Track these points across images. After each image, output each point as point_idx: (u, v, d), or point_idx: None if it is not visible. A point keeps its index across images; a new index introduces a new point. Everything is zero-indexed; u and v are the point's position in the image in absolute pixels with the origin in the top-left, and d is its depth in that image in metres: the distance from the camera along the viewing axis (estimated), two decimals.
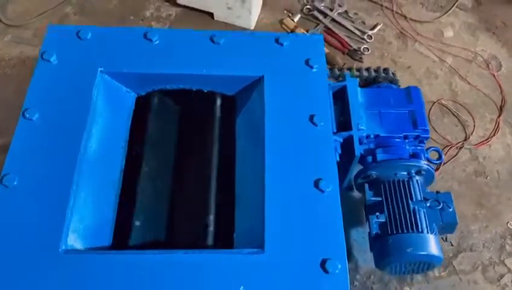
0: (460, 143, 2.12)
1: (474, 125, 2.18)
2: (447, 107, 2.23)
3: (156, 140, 1.36)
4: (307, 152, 1.22)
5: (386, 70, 1.78)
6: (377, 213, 1.46)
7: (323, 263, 1.06)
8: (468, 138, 2.15)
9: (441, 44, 2.44)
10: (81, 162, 1.18)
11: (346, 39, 2.37)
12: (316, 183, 1.17)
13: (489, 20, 2.54)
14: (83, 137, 1.21)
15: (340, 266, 1.06)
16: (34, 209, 1.10)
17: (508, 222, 1.96)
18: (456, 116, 2.21)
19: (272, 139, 1.22)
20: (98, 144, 1.25)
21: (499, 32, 2.50)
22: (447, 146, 2.09)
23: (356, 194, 1.80)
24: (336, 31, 2.40)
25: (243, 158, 1.29)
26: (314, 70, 1.35)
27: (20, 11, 2.46)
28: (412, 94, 1.66)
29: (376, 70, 1.77)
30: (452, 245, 1.88)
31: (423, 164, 1.51)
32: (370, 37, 2.40)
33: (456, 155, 2.09)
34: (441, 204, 1.45)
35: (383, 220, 1.45)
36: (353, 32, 2.41)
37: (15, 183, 1.13)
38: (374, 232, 1.46)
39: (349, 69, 1.71)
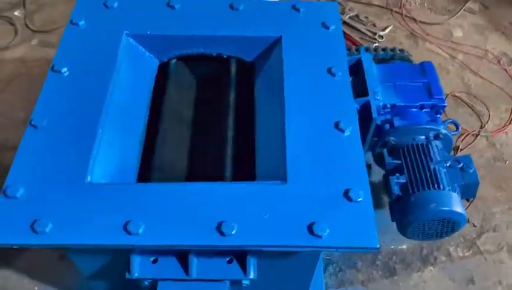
0: (477, 131, 2.12)
1: (489, 114, 2.19)
2: (460, 99, 2.25)
3: (177, 101, 1.39)
4: (325, 98, 1.24)
5: (401, 50, 1.83)
6: (397, 174, 1.46)
7: (346, 192, 1.06)
8: (484, 126, 2.15)
9: (450, 43, 2.49)
10: (106, 110, 1.21)
11: (359, 40, 2.44)
12: (336, 125, 1.18)
13: (498, 21, 2.60)
14: (109, 89, 1.25)
15: (363, 195, 1.05)
16: (62, 146, 1.13)
17: None
18: (471, 107, 2.23)
19: (291, 88, 1.25)
20: (122, 97, 1.29)
21: (508, 31, 2.56)
22: (463, 134, 2.09)
23: (374, 179, 1.80)
24: (348, 32, 2.47)
25: (262, 108, 1.32)
26: (330, 30, 1.39)
27: (46, 19, 2.59)
28: (425, 68, 1.69)
29: (392, 50, 1.81)
30: (475, 226, 1.85)
31: (441, 127, 1.52)
32: (381, 37, 2.47)
33: (472, 142, 2.09)
34: (462, 164, 1.45)
35: (404, 180, 1.45)
36: (364, 34, 2.49)
37: (44, 124, 1.17)
38: (394, 194, 1.44)
39: (366, 48, 1.75)
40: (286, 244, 1.00)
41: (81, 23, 1.40)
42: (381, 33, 2.48)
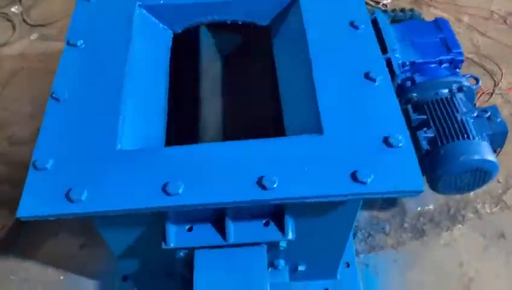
0: (491, 89, 2.11)
1: (502, 73, 2.17)
2: (471, 60, 2.23)
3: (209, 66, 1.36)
4: (351, 50, 1.21)
5: (411, 10, 1.80)
6: (424, 129, 1.43)
7: (385, 139, 1.03)
8: (498, 84, 2.13)
9: (455, 6, 2.48)
10: (127, 80, 1.17)
11: None
12: (366, 75, 1.15)
13: None
14: (126, 60, 1.21)
15: (403, 140, 1.02)
16: (87, 117, 1.09)
17: None
18: (482, 67, 2.21)
19: (315, 43, 1.22)
20: (140, 67, 1.25)
21: None
22: (477, 93, 2.07)
23: None
24: None
25: (285, 68, 1.29)
26: None
27: (44, 13, 2.55)
28: (440, 24, 1.67)
29: (402, 11, 1.79)
30: (499, 182, 1.83)
31: (464, 79, 1.50)
32: (385, 5, 2.44)
33: (488, 100, 2.07)
34: (489, 113, 1.42)
35: (432, 134, 1.42)
36: (367, 3, 2.46)
37: (65, 96, 1.13)
38: (423, 149, 1.42)
39: (383, 10, 1.73)
40: (330, 194, 0.97)
41: None
42: (385, 1, 2.45)
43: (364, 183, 0.96)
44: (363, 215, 1.74)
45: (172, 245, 1.15)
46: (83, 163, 1.02)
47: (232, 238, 1.15)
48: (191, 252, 1.20)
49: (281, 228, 1.16)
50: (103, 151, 1.04)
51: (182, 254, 1.22)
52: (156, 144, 1.13)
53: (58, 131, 1.08)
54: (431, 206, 1.77)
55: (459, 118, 1.41)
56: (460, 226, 1.72)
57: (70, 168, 1.01)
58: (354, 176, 0.97)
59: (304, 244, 1.22)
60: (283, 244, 1.21)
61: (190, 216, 1.16)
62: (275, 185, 0.97)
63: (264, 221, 1.18)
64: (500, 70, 2.17)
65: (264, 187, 0.97)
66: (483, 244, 1.68)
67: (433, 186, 1.45)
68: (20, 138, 2.02)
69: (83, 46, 1.25)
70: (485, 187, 1.79)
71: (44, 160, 1.01)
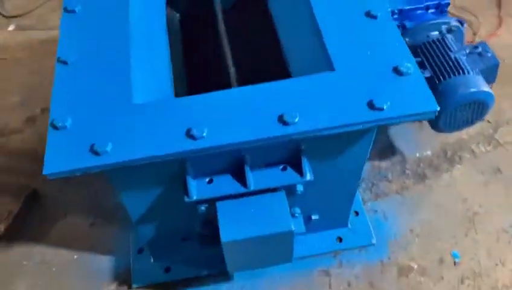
0: (471, 39, 2.18)
1: (479, 22, 2.25)
2: (448, 12, 2.29)
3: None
4: None
5: None
6: (420, 70, 1.48)
7: (395, 69, 1.07)
8: (477, 33, 2.21)
9: None
10: (131, 37, 1.18)
11: None
12: (367, 14, 1.18)
13: None
14: (127, 18, 1.21)
15: (411, 67, 1.06)
16: (99, 75, 1.09)
17: None
18: (459, 17, 2.27)
19: None
20: (141, 24, 1.25)
21: None
22: None
23: None
24: None
25: (284, 13, 1.31)
26: None
27: (19, 4, 2.50)
28: None
29: None
30: (489, 122, 1.90)
31: (452, 20, 1.55)
32: None
33: None
34: (480, 49, 1.48)
35: (428, 75, 1.47)
36: None
37: (73, 59, 1.12)
38: None
39: None
40: (351, 122, 1.00)
41: None
42: None
43: (381, 109, 1.00)
44: (365, 167, 1.78)
45: (194, 197, 1.16)
46: (101, 119, 1.02)
47: (252, 185, 1.17)
48: (211, 208, 1.21)
49: (299, 170, 1.19)
50: (120, 106, 1.04)
51: (203, 208, 1.23)
52: (167, 96, 1.14)
53: (70, 91, 1.07)
54: (429, 152, 1.83)
55: (452, 56, 1.46)
56: (459, 166, 1.79)
57: (89, 125, 1.01)
58: (371, 104, 1.01)
59: (318, 188, 1.26)
60: (300, 188, 1.24)
61: (209, 168, 1.17)
62: (296, 120, 0.99)
63: (281, 167, 1.20)
64: (478, 19, 2.25)
65: (285, 123, 0.99)
66: (483, 180, 1.75)
67: (435, 125, 1.50)
68: (12, 128, 1.98)
69: (81, 10, 1.24)
70: (476, 129, 1.88)
71: (62, 119, 1.01)
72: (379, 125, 1.02)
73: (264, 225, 1.17)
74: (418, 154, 1.83)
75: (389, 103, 1.00)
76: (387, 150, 1.84)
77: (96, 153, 0.96)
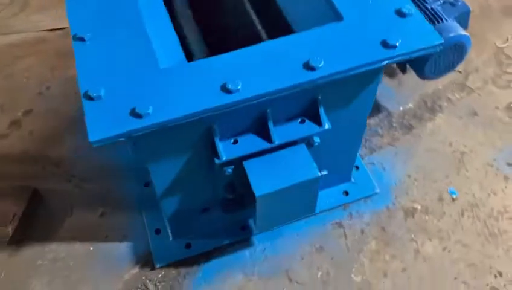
0: None
1: None
2: None
3: None
4: None
5: None
6: None
7: (398, 11, 1.16)
8: None
9: None
10: (140, 8, 1.20)
11: None
12: None
13: None
14: None
15: (412, 8, 1.16)
16: (119, 47, 1.11)
17: (495, 42, 2.19)
18: None
19: None
20: None
21: None
22: None
23: None
24: None
25: None
26: None
27: None
28: None
29: None
30: (460, 72, 2.06)
31: None
32: None
33: None
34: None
35: None
36: None
37: (89, 35, 1.13)
38: None
39: None
40: (370, 61, 1.08)
41: None
42: None
43: (395, 47, 1.09)
44: None
45: (224, 158, 1.20)
46: (134, 85, 1.04)
47: (276, 139, 1.23)
48: (236, 169, 1.26)
49: (317, 121, 1.26)
50: (150, 72, 1.06)
51: (229, 170, 1.27)
52: (181, 61, 1.17)
53: (95, 65, 1.08)
54: (411, 105, 1.96)
55: (429, 7, 1.59)
56: (440, 114, 1.93)
57: (124, 92, 1.03)
58: (385, 44, 1.10)
59: (329, 141, 1.33)
60: (317, 140, 1.31)
61: (233, 129, 1.22)
62: (321, 65, 1.06)
63: (299, 120, 1.27)
64: None
65: (312, 68, 1.06)
66: (463, 123, 1.90)
67: (421, 73, 1.62)
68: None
69: None
70: (449, 78, 2.03)
71: (95, 90, 1.02)
72: (394, 62, 1.11)
73: (293, 175, 1.23)
74: (401, 108, 1.95)
75: (400, 41, 1.09)
76: (373, 108, 1.94)
77: (139, 116, 0.98)
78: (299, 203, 1.33)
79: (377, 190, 1.71)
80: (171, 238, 1.59)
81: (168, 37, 1.24)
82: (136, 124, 0.98)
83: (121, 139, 0.98)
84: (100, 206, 1.70)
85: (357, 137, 1.49)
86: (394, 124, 1.90)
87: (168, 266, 1.56)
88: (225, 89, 1.03)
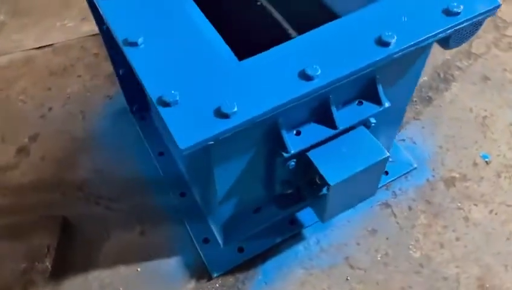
0: None
1: None
2: None
3: None
4: None
5: None
6: None
7: None
8: None
9: None
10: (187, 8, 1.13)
11: None
12: None
13: None
14: None
15: None
16: (179, 48, 1.04)
17: None
18: None
19: None
20: None
21: None
22: None
23: None
24: None
25: None
26: None
27: None
28: None
29: None
30: None
31: None
32: None
33: None
34: None
35: None
36: None
37: (142, 40, 1.05)
38: None
39: None
40: (437, 31, 1.06)
41: None
42: None
43: (458, 13, 1.08)
44: None
45: (292, 151, 1.16)
46: (210, 85, 0.97)
47: (341, 125, 1.19)
48: (299, 162, 1.22)
49: (375, 100, 1.23)
50: (223, 69, 1.00)
51: (292, 163, 1.23)
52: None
53: (158, 69, 1.00)
54: (425, 77, 1.98)
55: None
56: (454, 83, 1.96)
57: (201, 93, 0.96)
58: (447, 12, 1.09)
59: (380, 120, 1.31)
60: (373, 120, 1.28)
61: (296, 120, 1.17)
62: (393, 40, 1.03)
63: (356, 102, 1.24)
64: None
65: (385, 44, 1.03)
66: (478, 89, 1.94)
67: (445, 43, 1.63)
68: (3, 165, 1.77)
69: None
70: (454, 48, 2.07)
71: (170, 95, 0.94)
72: (457, 29, 1.10)
73: (362, 158, 1.20)
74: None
75: (462, 7, 1.08)
76: None
77: (225, 116, 0.92)
78: (365, 186, 1.30)
79: (415, 165, 1.71)
80: (222, 245, 1.52)
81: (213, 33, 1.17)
82: (225, 125, 0.91)
83: (210, 142, 0.92)
84: (137, 225, 1.61)
85: (401, 113, 1.48)
86: (414, 99, 1.91)
87: (225, 274, 1.50)
88: (304, 76, 0.98)
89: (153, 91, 0.96)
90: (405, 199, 1.65)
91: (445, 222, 1.59)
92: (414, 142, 1.79)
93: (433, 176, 1.70)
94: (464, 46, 2.08)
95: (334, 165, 1.19)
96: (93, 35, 2.18)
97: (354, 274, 1.49)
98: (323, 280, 1.48)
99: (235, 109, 0.92)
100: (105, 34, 1.51)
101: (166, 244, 1.56)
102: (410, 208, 1.63)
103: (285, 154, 1.16)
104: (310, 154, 1.20)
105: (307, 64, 0.99)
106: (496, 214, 1.61)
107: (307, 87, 0.98)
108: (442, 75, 1.99)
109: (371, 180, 1.29)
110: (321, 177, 1.19)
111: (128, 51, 1.03)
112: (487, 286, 1.47)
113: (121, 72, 1.65)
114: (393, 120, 1.47)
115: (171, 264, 1.52)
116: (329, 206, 1.26)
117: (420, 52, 1.23)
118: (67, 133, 1.85)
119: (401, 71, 1.27)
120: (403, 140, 1.79)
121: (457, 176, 1.70)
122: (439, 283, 1.47)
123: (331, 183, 1.16)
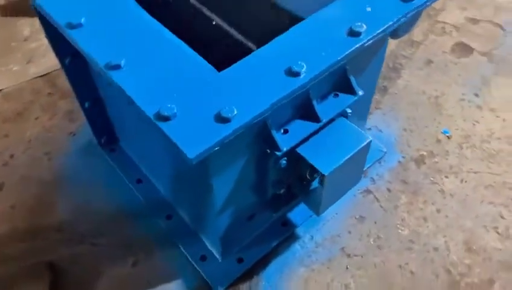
0: None
1: None
2: None
3: None
4: None
5: None
6: None
7: None
8: None
9: None
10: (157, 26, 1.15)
11: None
12: None
13: None
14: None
15: None
16: (163, 64, 1.05)
17: None
18: None
19: None
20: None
21: None
22: None
23: None
24: None
25: None
26: None
27: None
28: None
29: None
30: None
31: None
32: None
33: None
34: None
35: None
36: None
37: (123, 61, 1.05)
38: None
39: None
40: (400, 16, 1.16)
41: None
42: None
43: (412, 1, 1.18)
44: None
45: (284, 149, 1.19)
46: (203, 96, 0.99)
47: (324, 117, 1.25)
48: (289, 159, 1.26)
49: (350, 91, 1.30)
50: (210, 77, 1.02)
51: (284, 161, 1.26)
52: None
53: (147, 87, 1.01)
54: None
55: None
56: (403, 71, 2.10)
57: (197, 103, 0.98)
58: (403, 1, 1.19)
59: (353, 109, 1.38)
60: (349, 110, 1.35)
61: (281, 118, 1.21)
62: (363, 29, 1.11)
63: (332, 95, 1.30)
64: None
65: (357, 34, 1.11)
66: (425, 73, 2.09)
67: (394, 33, 1.74)
68: None
69: (86, 23, 1.15)
70: (398, 40, 2.21)
71: (166, 109, 0.95)
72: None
73: (348, 145, 1.25)
74: None
75: None
76: None
77: (226, 120, 0.94)
78: (353, 173, 1.36)
79: (384, 150, 1.80)
80: (220, 259, 1.51)
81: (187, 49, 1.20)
82: (228, 129, 0.94)
83: (216, 148, 0.93)
84: (128, 256, 1.56)
85: (369, 101, 1.56)
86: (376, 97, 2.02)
87: (229, 287, 1.49)
88: (291, 73, 1.03)
89: (148, 108, 0.96)
90: (383, 183, 1.73)
91: (424, 197, 1.69)
92: (380, 130, 1.88)
93: (403, 157, 1.80)
94: (405, 36, 2.24)
95: (324, 156, 1.23)
96: (43, 75, 2.13)
97: (352, 262, 1.54)
98: (325, 273, 1.51)
99: (235, 112, 0.95)
100: (69, 67, 1.48)
101: (163, 270, 1.53)
102: (389, 191, 1.71)
103: (277, 153, 1.19)
104: (299, 150, 1.24)
105: (292, 62, 1.04)
106: (466, 182, 1.73)
107: (296, 83, 1.02)
108: (391, 65, 2.12)
109: (357, 166, 1.35)
110: (313, 170, 1.23)
111: (113, 75, 1.03)
112: (474, 248, 1.56)
113: (86, 104, 1.62)
114: (363, 109, 1.56)
115: (173, 288, 1.49)
116: (324, 197, 1.30)
117: (382, 42, 1.32)
118: (35, 177, 1.77)
119: (367, 61, 1.35)
120: (369, 129, 1.89)
121: (424, 153, 1.81)
122: (431, 254, 1.55)
123: (325, 173, 1.20)
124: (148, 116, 0.95)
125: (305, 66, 1.04)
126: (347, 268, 1.53)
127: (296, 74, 1.03)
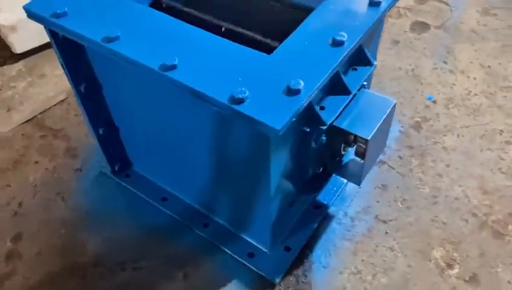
0: None
1: None
2: None
3: None
4: None
5: None
6: None
7: None
8: None
9: None
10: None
11: None
12: None
13: None
14: None
15: None
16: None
17: None
18: None
19: None
20: None
21: None
22: None
23: None
24: None
25: None
26: None
27: None
28: None
29: None
30: None
31: None
32: None
33: None
34: None
35: None
36: None
37: (177, 61, 1.08)
38: None
39: None
40: None
41: None
42: None
43: None
44: None
45: (328, 122, 1.26)
46: (267, 77, 1.05)
47: (353, 89, 1.34)
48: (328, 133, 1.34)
49: (366, 63, 1.41)
50: (264, 62, 1.08)
51: (324, 138, 1.34)
52: None
53: (210, 78, 1.05)
54: None
55: None
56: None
57: (264, 84, 1.03)
58: None
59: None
60: (365, 82, 1.45)
61: (318, 96, 1.29)
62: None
63: (351, 69, 1.40)
64: None
65: (377, 3, 1.22)
66: (395, 52, 2.27)
67: None
68: None
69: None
70: None
71: (238, 91, 0.99)
72: None
73: (378, 110, 1.35)
74: None
75: None
76: None
77: (296, 92, 1.00)
78: (383, 138, 1.46)
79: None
80: (268, 251, 1.54)
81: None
82: (300, 100, 1.00)
83: (293, 119, 0.99)
84: (176, 271, 1.54)
85: (372, 74, 1.68)
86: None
87: (284, 276, 1.51)
88: (335, 43, 1.11)
89: (220, 95, 1.00)
90: (393, 152, 1.85)
91: (432, 157, 1.83)
92: None
93: (402, 126, 1.94)
94: None
95: (361, 124, 1.32)
96: (28, 121, 2.05)
97: (389, 226, 1.63)
98: (369, 242, 1.59)
99: (302, 84, 1.01)
100: (84, 94, 1.46)
101: (215, 276, 1.53)
102: (400, 158, 1.83)
103: (322, 128, 1.26)
104: (337, 123, 1.32)
105: (334, 33, 1.13)
106: (462, 136, 1.90)
107: (342, 52, 1.11)
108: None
109: (386, 130, 1.45)
110: (348, 143, 1.31)
111: (171, 75, 1.06)
112: (488, 190, 1.72)
113: (100, 131, 1.60)
114: (369, 81, 1.67)
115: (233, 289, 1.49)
116: (365, 164, 1.38)
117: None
118: (55, 219, 1.70)
119: (374, 34, 1.47)
120: None
121: (419, 119, 1.96)
122: (454, 204, 1.68)
123: (368, 137, 1.29)
124: (223, 103, 0.99)
125: (345, 35, 1.12)
126: (387, 233, 1.61)
127: (341, 43, 1.11)
